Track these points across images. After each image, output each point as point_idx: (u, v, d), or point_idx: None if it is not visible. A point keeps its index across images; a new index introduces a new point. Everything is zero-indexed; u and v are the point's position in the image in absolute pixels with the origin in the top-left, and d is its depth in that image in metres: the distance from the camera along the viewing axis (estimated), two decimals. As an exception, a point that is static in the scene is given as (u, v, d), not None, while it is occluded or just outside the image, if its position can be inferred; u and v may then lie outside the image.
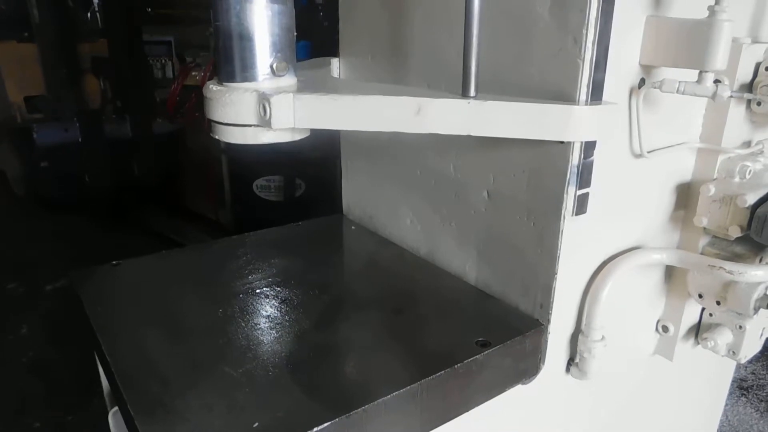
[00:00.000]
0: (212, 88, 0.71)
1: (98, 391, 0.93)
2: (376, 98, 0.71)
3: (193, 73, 3.37)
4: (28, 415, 1.94)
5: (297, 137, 0.73)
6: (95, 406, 1.05)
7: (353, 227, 1.19)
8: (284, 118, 0.68)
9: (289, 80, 0.72)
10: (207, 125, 0.75)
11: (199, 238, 3.10)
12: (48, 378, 2.12)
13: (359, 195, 1.18)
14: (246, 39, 0.68)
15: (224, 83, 0.71)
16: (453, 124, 0.71)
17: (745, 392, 2.31)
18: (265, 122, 0.69)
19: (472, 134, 0.71)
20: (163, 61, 3.90)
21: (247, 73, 0.69)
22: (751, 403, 2.25)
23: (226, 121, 0.71)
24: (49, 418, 1.93)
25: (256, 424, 0.62)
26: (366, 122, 0.71)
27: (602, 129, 0.72)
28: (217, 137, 0.73)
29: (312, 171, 2.63)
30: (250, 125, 0.70)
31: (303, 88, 0.72)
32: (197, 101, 3.18)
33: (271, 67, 0.69)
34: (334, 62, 1.09)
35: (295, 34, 0.72)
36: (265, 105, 0.68)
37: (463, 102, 0.70)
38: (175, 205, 3.47)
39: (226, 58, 0.69)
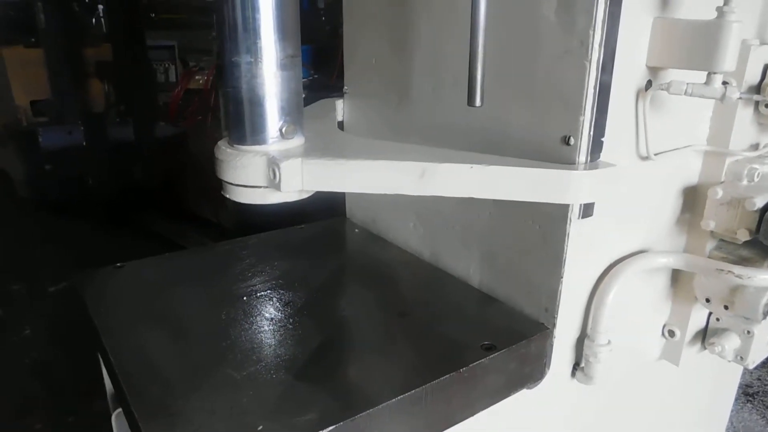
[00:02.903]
0: (224, 149, 0.72)
1: (100, 393, 0.93)
2: (382, 163, 0.72)
3: (196, 77, 3.39)
4: (30, 416, 1.94)
5: (304, 196, 0.74)
6: (97, 408, 1.05)
7: (356, 230, 1.18)
8: (293, 182, 0.70)
9: (297, 141, 0.74)
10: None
11: (201, 241, 3.10)
12: (50, 379, 2.11)
13: (362, 197, 1.18)
14: (256, 105, 0.69)
15: (235, 145, 0.72)
16: (456, 187, 0.72)
17: (750, 398, 2.30)
18: (274, 185, 0.70)
19: (474, 197, 0.72)
20: (167, 65, 3.92)
21: (257, 136, 0.71)
22: (757, 410, 2.23)
23: (236, 183, 0.72)
24: (51, 419, 1.93)
25: (260, 428, 0.61)
26: (372, 185, 0.73)
27: (601, 191, 0.74)
28: (227, 196, 0.75)
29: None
30: (260, 186, 0.72)
31: (310, 149, 0.74)
32: (199, 105, 3.19)
33: (280, 130, 0.71)
34: (339, 105, 1.10)
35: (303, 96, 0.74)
36: (275, 169, 0.69)
37: (465, 167, 0.71)
38: (178, 207, 3.47)
39: (236, 123, 0.71)
